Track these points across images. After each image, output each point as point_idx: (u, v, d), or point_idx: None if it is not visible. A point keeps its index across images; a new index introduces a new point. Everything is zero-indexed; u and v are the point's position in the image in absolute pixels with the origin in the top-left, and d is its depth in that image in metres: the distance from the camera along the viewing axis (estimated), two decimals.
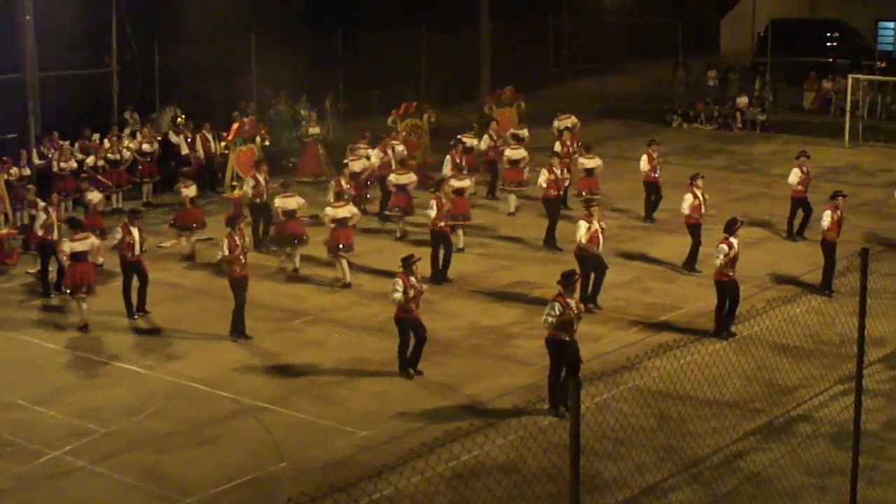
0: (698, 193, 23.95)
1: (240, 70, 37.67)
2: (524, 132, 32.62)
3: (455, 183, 26.11)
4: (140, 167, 30.98)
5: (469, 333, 20.91)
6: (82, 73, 34.90)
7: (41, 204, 23.92)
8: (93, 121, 32.33)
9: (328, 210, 24.00)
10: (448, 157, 28.42)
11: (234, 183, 29.03)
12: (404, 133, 32.66)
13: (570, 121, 33.82)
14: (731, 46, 53.73)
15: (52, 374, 19.28)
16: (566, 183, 27.76)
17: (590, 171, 28.30)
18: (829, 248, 22.62)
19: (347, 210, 23.87)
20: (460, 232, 25.83)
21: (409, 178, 27.29)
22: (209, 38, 36.93)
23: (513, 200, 29.59)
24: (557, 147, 29.56)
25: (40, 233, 23.22)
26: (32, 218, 24.43)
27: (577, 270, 18.54)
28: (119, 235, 21.82)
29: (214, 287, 22.45)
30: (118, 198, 30.30)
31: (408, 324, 18.52)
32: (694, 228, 24.06)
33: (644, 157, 28.28)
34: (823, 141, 38.74)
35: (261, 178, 26.16)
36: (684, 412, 16.60)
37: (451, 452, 13.56)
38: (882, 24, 52.70)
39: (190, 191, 26.10)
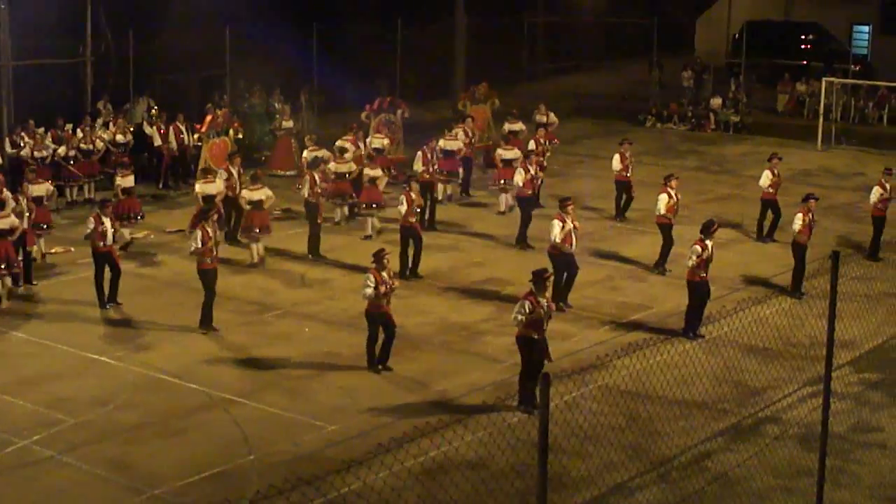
0: (673, 194, 24.01)
1: (214, 62, 37.59)
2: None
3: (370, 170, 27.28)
4: (113, 158, 30.86)
5: (439, 329, 20.91)
6: (56, 63, 34.73)
7: (7, 193, 23.70)
8: (66, 110, 32.18)
9: (244, 192, 24.78)
10: (419, 153, 28.31)
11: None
12: (385, 130, 32.69)
13: (541, 115, 33.95)
14: (705, 47, 53.86)
15: (21, 363, 19.16)
16: (539, 181, 27.82)
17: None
18: (799, 250, 22.70)
19: (263, 193, 24.68)
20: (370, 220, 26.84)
21: (349, 167, 27.69)
22: (184, 29, 36.82)
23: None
24: (532, 145, 29.54)
25: None
26: None
27: (550, 269, 18.54)
28: (91, 225, 21.74)
29: (186, 279, 22.36)
30: (90, 188, 30.18)
31: (377, 318, 18.54)
32: (666, 228, 24.12)
33: (616, 156, 28.36)
34: (796, 143, 38.94)
35: (233, 170, 26.23)
36: (653, 411, 16.65)
37: (419, 448, 13.57)
38: (857, 27, 52.91)
39: (125, 181, 26.05)
